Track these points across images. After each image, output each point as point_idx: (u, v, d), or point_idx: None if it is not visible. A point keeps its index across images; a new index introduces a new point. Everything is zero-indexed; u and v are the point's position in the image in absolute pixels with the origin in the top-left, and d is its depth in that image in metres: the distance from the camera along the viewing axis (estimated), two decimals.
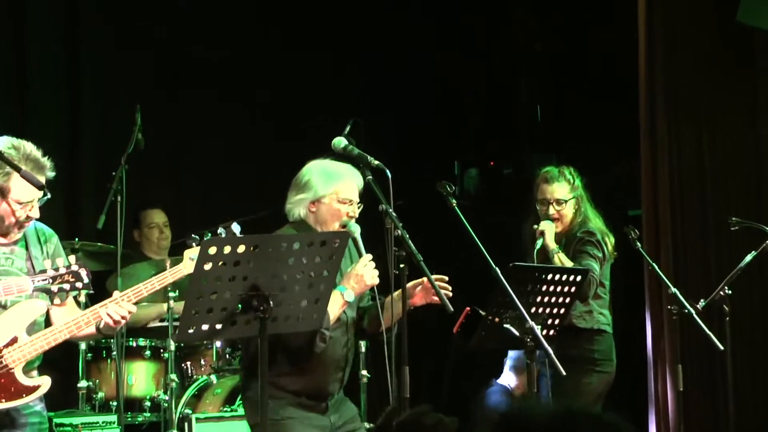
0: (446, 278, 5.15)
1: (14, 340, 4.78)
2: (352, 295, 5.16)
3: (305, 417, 5.27)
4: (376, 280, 5.19)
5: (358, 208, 5.35)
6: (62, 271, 4.71)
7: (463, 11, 9.86)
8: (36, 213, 4.91)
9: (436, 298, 5.15)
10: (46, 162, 4.89)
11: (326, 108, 8.91)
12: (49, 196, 4.90)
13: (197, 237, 5.02)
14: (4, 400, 4.76)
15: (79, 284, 4.73)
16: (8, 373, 4.77)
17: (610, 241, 6.71)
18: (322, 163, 5.40)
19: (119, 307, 4.88)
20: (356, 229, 5.28)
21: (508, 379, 8.03)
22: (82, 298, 4.96)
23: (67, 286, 4.70)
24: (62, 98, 8.62)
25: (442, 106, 9.95)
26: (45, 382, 4.87)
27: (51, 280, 4.69)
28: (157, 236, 8.26)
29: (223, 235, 4.95)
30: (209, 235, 4.97)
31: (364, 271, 5.14)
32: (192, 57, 9.04)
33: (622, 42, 8.63)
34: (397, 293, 5.16)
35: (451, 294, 5.13)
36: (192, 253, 4.96)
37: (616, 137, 8.90)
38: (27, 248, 4.98)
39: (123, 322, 4.91)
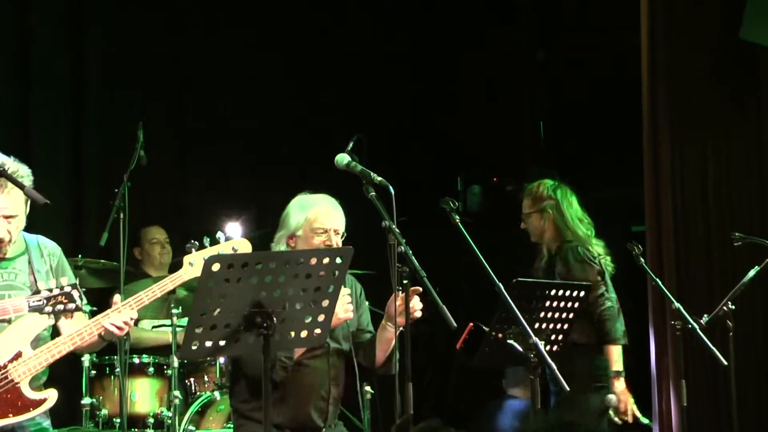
0: (420, 290, 5.14)
1: (18, 355, 4.80)
2: None
3: None
4: (350, 315, 5.26)
5: (341, 237, 5.37)
6: (56, 292, 4.72)
7: (467, 26, 9.88)
8: (2, 233, 4.88)
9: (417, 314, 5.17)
10: (25, 169, 4.90)
11: (328, 124, 8.92)
12: (46, 201, 4.90)
13: (197, 243, 5.03)
14: (11, 415, 4.78)
15: (71, 305, 4.75)
16: (14, 388, 4.78)
17: (596, 250, 6.73)
18: (299, 197, 5.45)
19: (120, 315, 4.88)
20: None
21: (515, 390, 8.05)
22: (74, 319, 4.94)
23: (60, 307, 4.73)
24: (65, 116, 8.62)
25: (445, 122, 9.95)
26: (51, 395, 4.88)
27: (45, 301, 4.70)
28: (159, 252, 8.30)
29: (222, 240, 4.98)
30: (208, 239, 4.99)
31: (336, 305, 5.13)
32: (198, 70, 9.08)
33: (625, 58, 8.64)
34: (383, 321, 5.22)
35: (418, 314, 5.15)
36: (191, 258, 4.97)
37: (620, 153, 8.90)
38: (30, 262, 4.99)
39: (126, 328, 4.91)
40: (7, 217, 4.88)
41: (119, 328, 4.88)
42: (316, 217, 5.38)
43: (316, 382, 5.32)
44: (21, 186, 4.73)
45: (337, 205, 5.44)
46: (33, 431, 4.97)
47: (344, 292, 5.23)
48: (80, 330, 4.88)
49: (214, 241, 5.02)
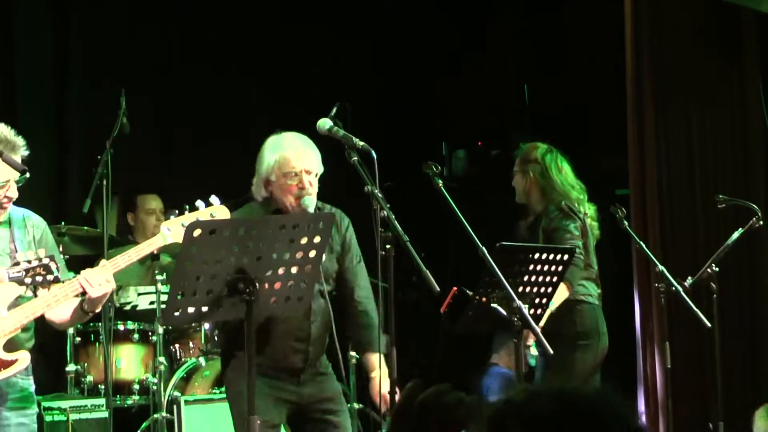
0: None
1: None
2: None
3: (266, 386, 5.21)
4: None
5: (315, 176, 5.29)
6: (34, 264, 4.72)
7: None
8: (14, 193, 4.93)
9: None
10: (19, 141, 4.92)
11: (315, 89, 8.90)
12: (28, 175, 4.91)
13: (176, 210, 5.02)
14: None
15: (49, 277, 4.75)
16: None
17: (588, 209, 6.71)
18: (271, 138, 5.37)
19: (95, 272, 4.87)
20: (311, 203, 5.25)
21: (501, 359, 8.06)
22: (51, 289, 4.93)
23: (39, 279, 4.73)
24: (49, 84, 8.58)
25: (430, 87, 9.93)
26: (23, 357, 4.90)
27: (24, 273, 4.71)
28: (154, 224, 8.22)
29: (202, 208, 4.96)
30: (187, 208, 4.98)
31: None
32: (182, 38, 9.03)
33: (610, 23, 8.63)
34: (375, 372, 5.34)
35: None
36: (169, 225, 4.96)
37: (604, 117, 8.90)
38: (11, 230, 4.99)
39: (102, 289, 4.86)
40: (17, 180, 4.90)
41: (92, 285, 4.83)
42: (286, 160, 5.26)
43: (294, 324, 5.28)
44: None
45: (308, 142, 5.31)
46: (19, 396, 4.97)
47: None
48: (55, 292, 4.88)
49: (194, 208, 5.01)
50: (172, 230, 4.92)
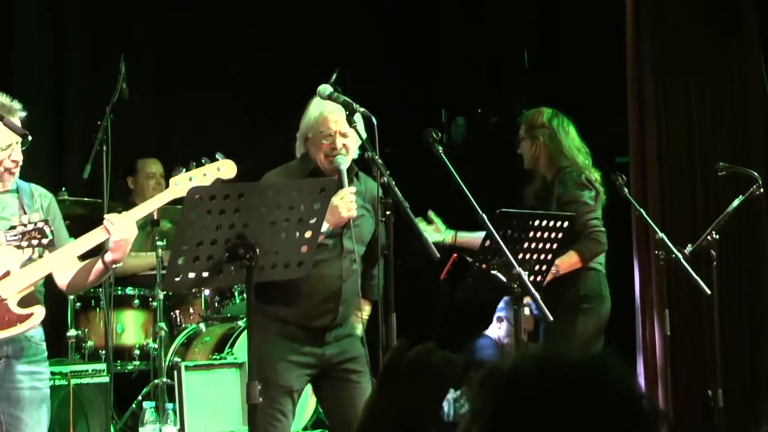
0: (351, 189, 5.20)
1: (6, 274, 4.84)
2: (327, 227, 5.12)
3: (288, 347, 5.26)
4: (353, 213, 5.20)
5: (354, 141, 5.30)
6: (29, 228, 4.74)
7: None
8: (18, 156, 4.94)
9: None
10: (16, 105, 4.93)
11: (317, 53, 8.89)
12: (30, 138, 4.92)
13: (183, 168, 5.01)
14: None
15: (44, 240, 4.77)
16: (2, 305, 4.82)
17: (596, 178, 6.68)
18: (315, 98, 5.38)
19: (118, 216, 4.89)
20: (342, 162, 5.28)
21: (495, 330, 8.07)
22: (46, 253, 4.95)
23: (34, 242, 4.75)
24: (47, 48, 8.57)
25: (430, 54, 9.91)
26: (38, 311, 4.92)
27: (21, 236, 4.72)
28: (153, 187, 8.22)
29: (208, 164, 4.97)
30: (193, 165, 4.97)
31: (339, 203, 5.14)
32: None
33: None
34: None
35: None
36: (177, 180, 4.96)
37: (604, 84, 8.88)
38: (19, 197, 5.01)
39: (126, 236, 4.86)
40: (2, 149, 4.91)
41: (115, 226, 4.83)
42: (325, 119, 5.29)
43: (326, 283, 5.30)
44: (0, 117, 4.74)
45: (344, 111, 5.25)
46: (33, 359, 5.00)
47: (348, 190, 5.21)
48: (69, 245, 4.92)
49: (200, 164, 5.00)
50: (180, 185, 4.92)
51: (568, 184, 6.55)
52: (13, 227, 4.75)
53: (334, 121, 5.29)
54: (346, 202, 5.16)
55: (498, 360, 1.93)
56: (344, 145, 5.29)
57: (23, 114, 4.95)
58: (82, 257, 5.09)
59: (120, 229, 4.85)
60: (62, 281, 5.11)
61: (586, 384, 1.89)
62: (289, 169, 5.43)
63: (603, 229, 6.52)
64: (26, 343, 4.99)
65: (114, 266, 5.01)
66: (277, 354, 5.25)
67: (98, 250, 5.13)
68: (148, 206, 5.00)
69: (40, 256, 4.90)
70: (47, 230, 4.75)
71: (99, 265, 4.98)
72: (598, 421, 1.85)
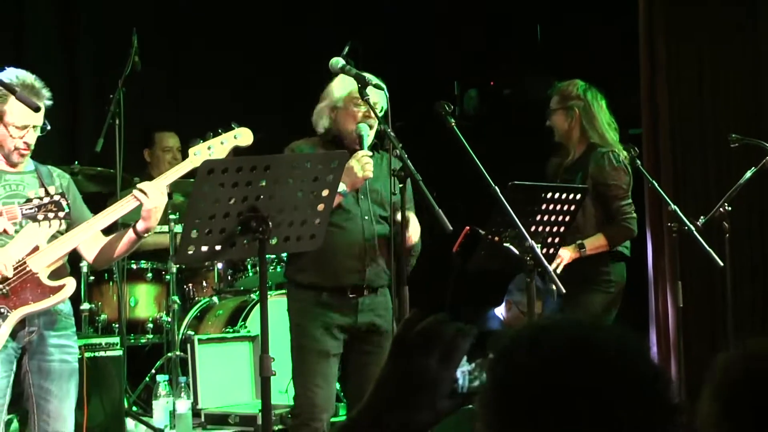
0: (366, 153, 5.22)
1: (36, 249, 4.90)
2: (344, 187, 5.14)
3: (322, 313, 5.33)
4: (369, 174, 5.21)
5: (381, 110, 5.30)
6: (45, 200, 4.76)
7: None
8: (31, 139, 4.96)
9: None
10: (43, 90, 4.94)
11: (327, 27, 8.88)
12: (48, 127, 4.96)
13: (199, 139, 5.02)
14: (31, 301, 4.88)
15: (61, 213, 4.79)
16: (33, 278, 4.88)
17: (624, 155, 6.63)
18: (342, 74, 5.38)
19: (150, 184, 4.90)
20: (364, 128, 5.29)
21: (503, 312, 8.11)
22: (63, 226, 4.98)
23: (51, 215, 4.77)
24: (59, 22, 8.56)
25: (442, 27, 9.88)
26: (70, 282, 4.98)
27: (36, 209, 4.75)
28: (168, 161, 8.21)
29: (224, 133, 4.97)
30: (210, 135, 4.97)
31: (355, 164, 5.16)
32: None
33: None
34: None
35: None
36: (196, 150, 4.97)
37: (616, 57, 8.85)
38: (38, 176, 5.04)
39: (159, 203, 4.89)
40: (35, 126, 4.93)
41: (149, 196, 4.84)
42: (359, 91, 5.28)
43: (349, 241, 5.33)
44: (13, 90, 4.74)
45: (380, 82, 5.30)
46: (62, 333, 5.04)
47: (364, 152, 5.22)
48: (95, 217, 4.96)
49: (216, 134, 5.00)
50: (199, 155, 4.93)
51: (605, 165, 6.48)
52: (29, 200, 4.77)
53: (372, 92, 5.29)
54: (362, 163, 5.18)
55: (515, 330, 1.94)
56: (375, 116, 5.30)
57: (49, 102, 4.96)
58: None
59: (153, 199, 4.87)
60: (89, 255, 5.14)
61: (607, 356, 1.89)
62: (310, 141, 5.46)
63: (635, 215, 6.51)
64: (56, 317, 5.04)
65: (146, 234, 5.03)
66: (312, 320, 5.32)
67: (113, 227, 5.16)
68: (172, 174, 5.00)
69: (65, 231, 4.94)
70: (63, 203, 4.78)
71: (130, 235, 5.01)
72: (604, 391, 1.85)
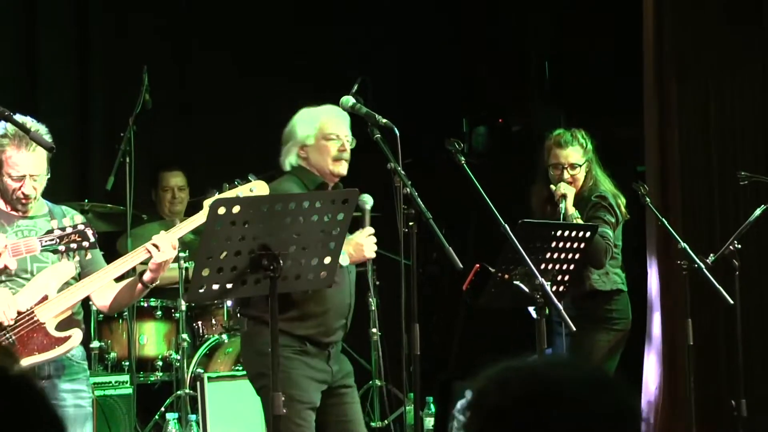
0: (372, 230, 5.22)
1: (44, 298, 4.89)
2: (347, 260, 5.15)
3: (307, 364, 5.25)
4: (373, 255, 5.24)
5: (351, 142, 5.34)
6: (69, 231, 4.76)
7: None
8: (29, 190, 4.96)
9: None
10: (42, 128, 4.93)
11: (335, 63, 8.90)
12: (48, 175, 4.99)
13: (216, 190, 5.03)
14: (37, 353, 4.86)
15: (85, 243, 4.79)
16: (40, 328, 4.87)
17: (622, 202, 6.67)
18: (303, 110, 5.41)
19: (161, 237, 4.90)
20: (368, 201, 5.30)
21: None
22: (89, 257, 4.99)
23: (74, 246, 4.77)
24: (71, 60, 8.59)
25: (451, 64, 9.92)
26: (76, 334, 4.96)
27: (58, 240, 4.74)
28: (169, 200, 8.23)
29: (240, 185, 4.98)
30: (227, 187, 4.99)
31: (365, 242, 5.17)
32: (202, 16, 9.04)
33: None
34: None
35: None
36: (210, 201, 4.98)
37: (625, 93, 8.86)
38: (51, 218, 5.03)
39: (169, 257, 4.90)
40: (32, 176, 4.93)
41: (160, 249, 4.85)
42: (330, 123, 5.31)
43: (343, 299, 5.34)
44: (26, 131, 4.76)
45: (344, 113, 5.35)
46: (75, 378, 5.06)
47: (369, 231, 5.23)
48: (107, 267, 4.95)
49: (232, 186, 5.02)
50: None
51: (600, 203, 6.53)
52: (50, 231, 4.77)
53: (339, 125, 5.32)
54: (371, 243, 5.19)
55: (488, 373, 1.96)
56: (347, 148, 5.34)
57: (48, 138, 4.97)
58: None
59: (164, 252, 4.88)
60: (102, 303, 5.14)
61: (572, 402, 1.90)
62: (291, 182, 5.36)
63: (614, 247, 6.51)
64: (67, 362, 5.03)
65: (153, 285, 5.04)
66: (298, 371, 5.24)
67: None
68: (185, 227, 5.02)
69: (78, 277, 4.94)
70: (89, 232, 4.77)
71: (139, 285, 5.02)
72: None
